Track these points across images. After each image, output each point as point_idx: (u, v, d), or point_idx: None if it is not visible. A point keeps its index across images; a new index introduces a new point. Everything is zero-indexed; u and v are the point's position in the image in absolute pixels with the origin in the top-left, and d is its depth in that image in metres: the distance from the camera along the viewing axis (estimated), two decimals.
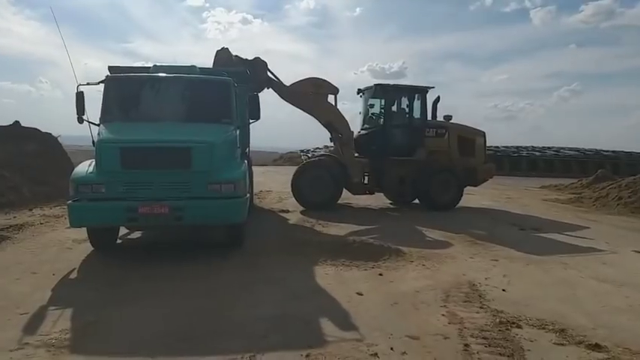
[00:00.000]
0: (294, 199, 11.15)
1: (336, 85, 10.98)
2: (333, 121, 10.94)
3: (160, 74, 7.25)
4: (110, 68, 7.98)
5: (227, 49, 10.25)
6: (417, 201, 11.96)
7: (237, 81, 7.66)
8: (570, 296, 5.16)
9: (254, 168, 11.21)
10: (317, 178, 10.90)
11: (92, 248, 6.61)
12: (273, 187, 15.26)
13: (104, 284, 5.24)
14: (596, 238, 8.39)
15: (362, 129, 12.23)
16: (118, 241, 7.21)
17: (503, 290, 5.25)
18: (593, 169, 21.80)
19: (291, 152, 35.99)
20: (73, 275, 5.62)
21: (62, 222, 8.38)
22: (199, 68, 7.81)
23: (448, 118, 12.00)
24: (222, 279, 5.48)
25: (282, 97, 10.91)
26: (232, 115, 7.04)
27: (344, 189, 11.18)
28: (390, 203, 12.57)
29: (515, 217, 10.97)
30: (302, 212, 10.45)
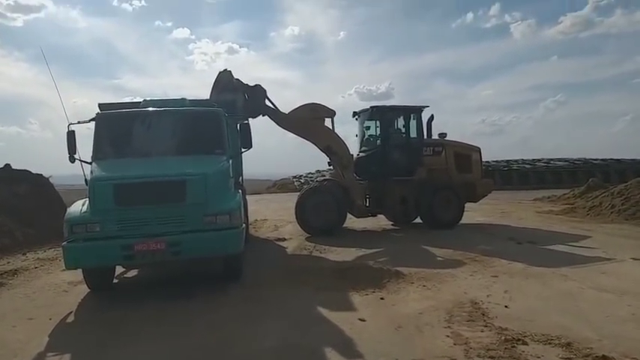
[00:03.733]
0: (289, 226, 11.09)
1: None
2: (332, 145, 10.99)
3: (150, 109, 7.28)
4: (100, 105, 7.99)
5: (229, 71, 10.31)
6: (417, 220, 11.97)
7: (227, 110, 7.69)
8: (573, 308, 5.14)
9: (248, 197, 11.18)
10: (321, 204, 10.87)
11: (88, 290, 6.50)
12: (268, 215, 15.23)
13: (102, 326, 5.15)
14: (594, 248, 8.42)
15: (360, 151, 12.30)
16: (115, 280, 7.10)
17: (506, 306, 5.22)
18: (584, 178, 21.99)
19: (283, 179, 36.03)
20: (70, 319, 5.51)
21: (57, 264, 8.26)
22: (189, 100, 7.84)
23: (443, 135, 12.11)
24: (223, 313, 5.41)
25: (279, 125, 10.99)
26: (224, 146, 7.06)
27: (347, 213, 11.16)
28: (392, 224, 12.57)
29: (511, 230, 10.99)
30: (299, 239, 10.40)
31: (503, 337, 4.26)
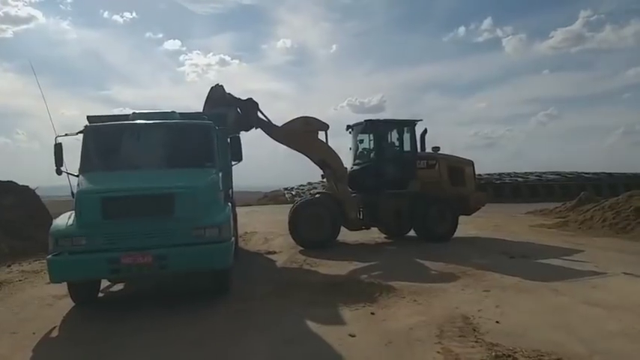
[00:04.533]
0: (280, 239, 10.98)
1: None
2: (326, 158, 10.96)
3: (139, 121, 7.21)
4: (89, 118, 7.92)
5: (221, 86, 10.33)
6: (411, 233, 11.92)
7: (218, 123, 7.65)
8: (564, 323, 5.09)
9: (238, 209, 11.08)
10: (314, 217, 10.80)
11: (73, 304, 6.37)
12: (258, 227, 15.12)
13: (87, 340, 5.03)
14: (585, 262, 8.38)
15: (354, 165, 12.25)
16: (100, 294, 6.97)
17: (497, 322, 5.15)
18: (575, 191, 22.09)
19: (274, 191, 35.94)
20: (55, 333, 5.39)
21: (41, 277, 8.11)
22: (179, 113, 7.79)
23: (436, 149, 12.09)
24: (211, 327, 5.30)
25: (272, 138, 10.95)
26: (214, 159, 6.98)
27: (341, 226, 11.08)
28: (385, 237, 12.51)
29: (503, 244, 10.96)
30: (289, 252, 10.31)
31: (493, 353, 4.21)
